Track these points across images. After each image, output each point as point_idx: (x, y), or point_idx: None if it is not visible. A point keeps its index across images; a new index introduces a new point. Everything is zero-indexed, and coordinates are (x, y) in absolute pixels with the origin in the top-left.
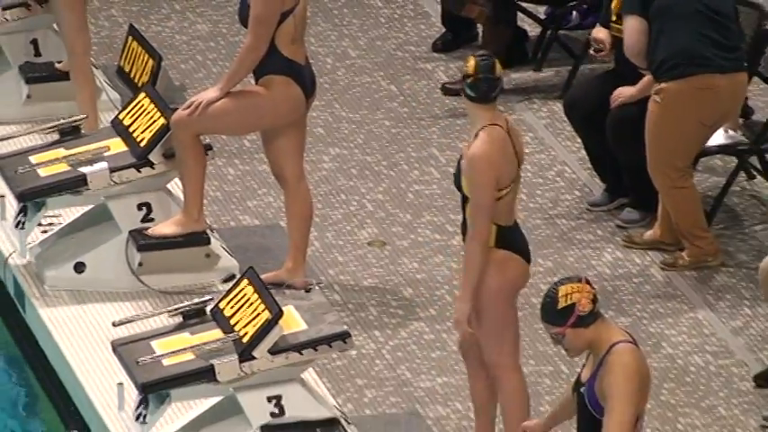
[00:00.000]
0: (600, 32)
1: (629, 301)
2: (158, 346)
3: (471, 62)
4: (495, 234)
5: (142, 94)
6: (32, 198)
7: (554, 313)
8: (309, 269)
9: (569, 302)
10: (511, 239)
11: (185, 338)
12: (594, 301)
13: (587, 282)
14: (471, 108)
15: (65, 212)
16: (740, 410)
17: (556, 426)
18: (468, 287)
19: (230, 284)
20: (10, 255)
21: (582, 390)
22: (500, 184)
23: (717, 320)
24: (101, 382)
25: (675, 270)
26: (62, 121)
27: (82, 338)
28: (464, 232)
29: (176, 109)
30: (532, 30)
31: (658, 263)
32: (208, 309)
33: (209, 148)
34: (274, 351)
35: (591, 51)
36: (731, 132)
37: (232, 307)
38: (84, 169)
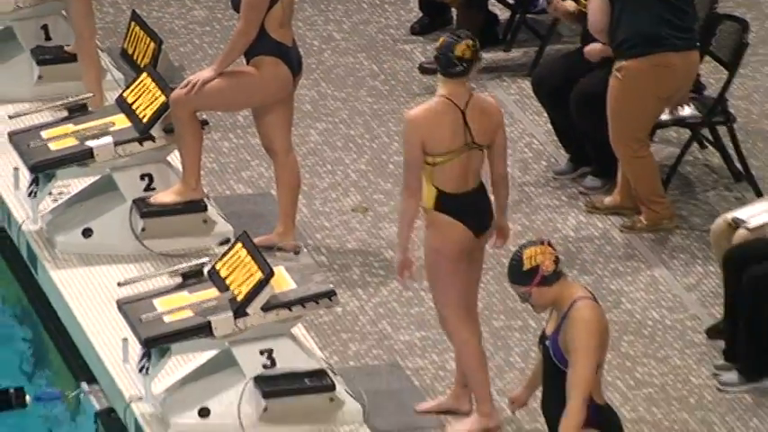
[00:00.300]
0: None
1: (592, 261)
2: (159, 304)
3: (440, 40)
4: (434, 198)
5: (144, 74)
6: (44, 170)
7: (520, 274)
8: (298, 233)
9: (534, 264)
10: (454, 206)
11: (184, 297)
12: (557, 261)
13: (550, 244)
14: (438, 81)
15: (73, 183)
16: (693, 360)
17: (537, 387)
18: (399, 237)
19: (225, 248)
20: (23, 222)
21: (547, 343)
22: (430, 149)
23: (672, 278)
24: (107, 338)
25: (634, 232)
26: (71, 99)
27: (90, 298)
28: None
29: (175, 88)
30: (502, 13)
31: (618, 226)
32: (205, 270)
33: (205, 123)
34: (266, 308)
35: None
36: (685, 107)
37: (227, 268)
38: (90, 143)
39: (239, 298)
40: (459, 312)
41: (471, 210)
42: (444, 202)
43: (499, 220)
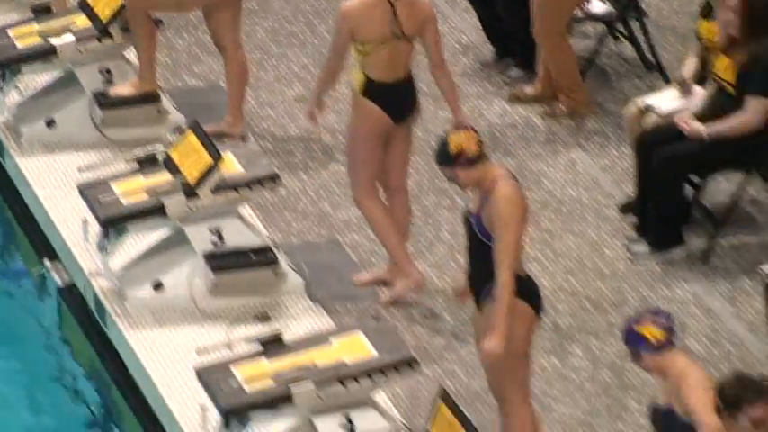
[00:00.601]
0: None
1: (515, 144)
2: (117, 186)
3: None
4: (363, 83)
5: None
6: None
7: (447, 157)
8: (245, 122)
9: (459, 148)
10: (378, 93)
11: (140, 181)
12: (480, 145)
13: (473, 129)
14: None
15: (36, 79)
16: (607, 234)
17: None
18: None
19: (178, 136)
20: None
21: (471, 219)
22: (360, 38)
23: (588, 160)
24: (68, 219)
25: (554, 118)
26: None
27: (53, 186)
28: None
29: None
30: None
31: (539, 113)
32: (159, 156)
33: (159, 22)
34: (215, 190)
35: None
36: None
37: (179, 154)
38: (54, 41)
39: (191, 181)
40: (367, 188)
41: (394, 98)
42: (370, 89)
43: (456, 116)
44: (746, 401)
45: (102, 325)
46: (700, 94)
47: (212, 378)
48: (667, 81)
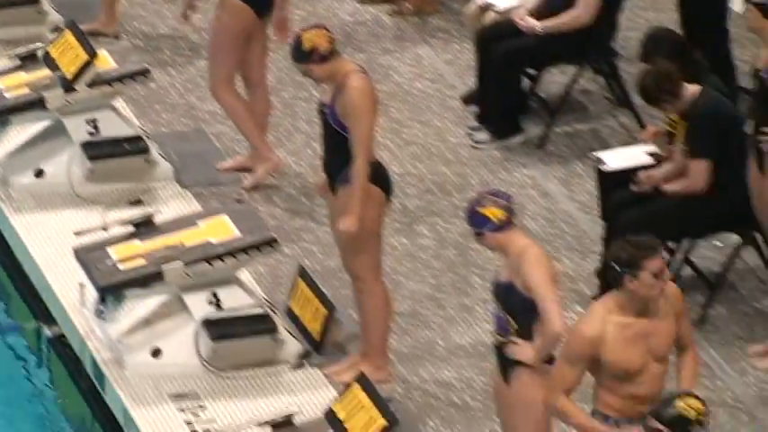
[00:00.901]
0: None
1: (365, 41)
2: (2, 83)
3: None
4: None
5: None
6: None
7: (301, 54)
8: (118, 23)
9: (311, 45)
10: None
11: (22, 77)
12: (331, 42)
13: (325, 27)
14: None
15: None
16: (451, 123)
17: None
18: None
19: (57, 34)
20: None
21: (325, 110)
22: None
23: (433, 54)
24: None
25: (401, 16)
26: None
27: None
28: None
29: None
30: None
31: (388, 11)
32: (39, 53)
33: None
34: (91, 84)
35: None
36: None
37: (58, 52)
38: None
39: (68, 76)
40: (226, 82)
41: None
42: None
43: (277, 14)
44: (644, 258)
45: None
46: None
47: (89, 258)
48: None
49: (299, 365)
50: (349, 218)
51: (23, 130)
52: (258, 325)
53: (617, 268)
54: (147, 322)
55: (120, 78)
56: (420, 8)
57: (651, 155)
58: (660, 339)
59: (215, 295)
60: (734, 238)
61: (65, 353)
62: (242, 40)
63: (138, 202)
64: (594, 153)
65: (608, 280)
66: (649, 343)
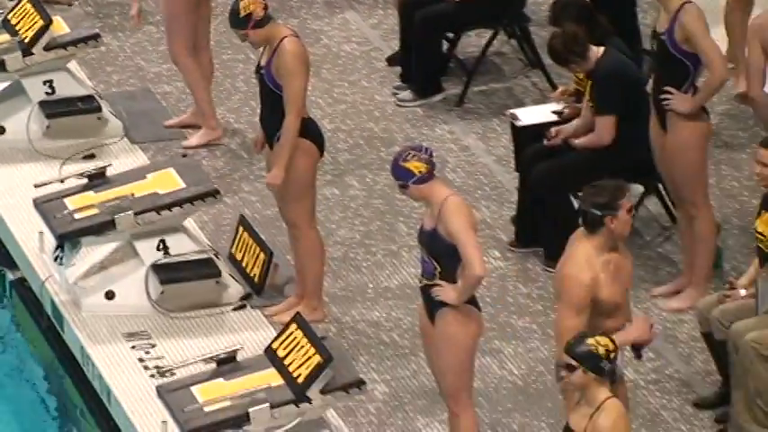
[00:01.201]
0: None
1: (297, 7)
2: None
3: None
4: None
5: None
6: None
7: (238, 20)
8: None
9: (247, 11)
10: None
11: None
12: (266, 8)
13: None
14: None
15: None
16: (377, 82)
17: None
18: None
19: (15, 2)
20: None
21: (262, 72)
22: None
23: (360, 19)
24: None
25: None
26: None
27: None
28: None
29: None
30: None
31: None
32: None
33: None
34: (47, 48)
35: None
36: None
37: (16, 18)
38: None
39: (26, 40)
40: (186, 48)
41: None
42: None
43: None
44: (620, 198)
45: None
46: None
47: (47, 208)
48: None
49: (240, 307)
50: (274, 170)
51: None
52: (203, 269)
53: (597, 212)
54: (101, 267)
55: (74, 42)
56: None
57: (561, 112)
58: (627, 272)
59: (163, 242)
60: (638, 188)
61: (26, 295)
62: (194, 5)
63: (91, 157)
64: (509, 110)
65: (587, 223)
66: (621, 276)
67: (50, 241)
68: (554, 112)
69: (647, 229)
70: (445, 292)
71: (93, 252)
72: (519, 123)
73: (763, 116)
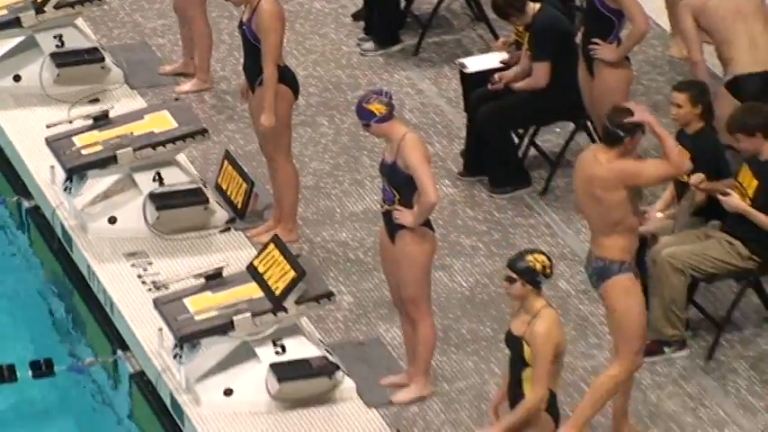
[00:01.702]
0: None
1: None
2: None
3: None
4: None
5: None
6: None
7: None
8: None
9: None
10: None
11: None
12: None
13: None
14: None
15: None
16: (343, 35)
17: None
18: None
19: None
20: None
21: (244, 27)
22: None
23: None
24: None
25: None
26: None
27: None
28: None
29: None
30: None
31: None
32: None
33: None
34: (58, 7)
35: None
36: None
37: None
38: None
39: (38, 0)
40: (202, 9)
41: None
42: None
43: None
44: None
45: None
46: None
47: (58, 145)
48: None
49: (226, 229)
50: (265, 114)
51: (3, 44)
52: (193, 197)
53: (621, 133)
54: (104, 196)
55: (80, 2)
56: None
57: (502, 60)
58: None
59: (158, 174)
60: (570, 126)
61: (40, 221)
62: None
63: (95, 101)
64: (458, 59)
65: (609, 139)
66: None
67: (60, 174)
68: (501, 62)
69: None
70: (404, 216)
71: (98, 183)
72: (467, 70)
73: (704, 78)
